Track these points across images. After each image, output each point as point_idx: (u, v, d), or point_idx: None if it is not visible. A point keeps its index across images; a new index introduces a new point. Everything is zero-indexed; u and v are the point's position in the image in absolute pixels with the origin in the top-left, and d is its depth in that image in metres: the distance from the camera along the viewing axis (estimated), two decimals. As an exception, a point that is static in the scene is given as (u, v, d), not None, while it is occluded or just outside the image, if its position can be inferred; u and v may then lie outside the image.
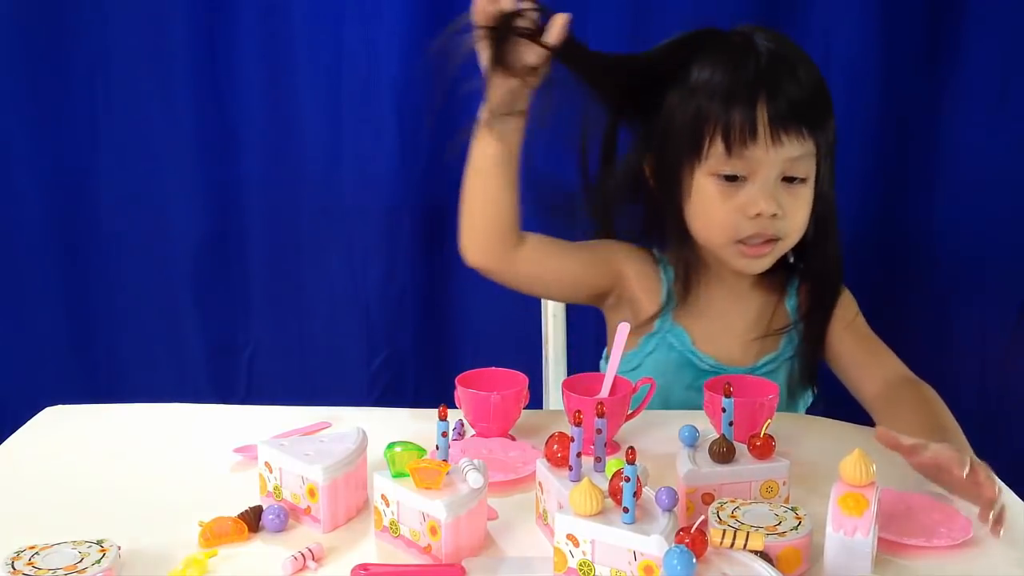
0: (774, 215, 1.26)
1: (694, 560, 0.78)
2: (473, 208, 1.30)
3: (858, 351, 1.36)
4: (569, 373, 1.51)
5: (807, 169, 1.28)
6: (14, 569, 0.83)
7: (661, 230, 1.37)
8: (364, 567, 0.88)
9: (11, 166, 1.88)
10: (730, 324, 1.38)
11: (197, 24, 1.80)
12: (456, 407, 1.14)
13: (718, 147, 1.25)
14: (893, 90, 1.71)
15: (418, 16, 1.77)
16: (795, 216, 1.29)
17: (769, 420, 1.01)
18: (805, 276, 1.40)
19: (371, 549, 0.93)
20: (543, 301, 1.52)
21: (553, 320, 1.50)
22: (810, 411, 1.43)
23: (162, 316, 1.95)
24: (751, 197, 1.26)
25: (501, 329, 1.88)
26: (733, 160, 1.25)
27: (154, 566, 0.88)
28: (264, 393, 1.95)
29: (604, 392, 1.14)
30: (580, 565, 0.84)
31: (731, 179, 1.26)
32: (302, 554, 0.89)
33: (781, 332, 1.38)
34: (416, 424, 1.17)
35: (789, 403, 1.39)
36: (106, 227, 1.91)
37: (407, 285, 1.90)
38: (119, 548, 0.87)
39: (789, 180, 1.27)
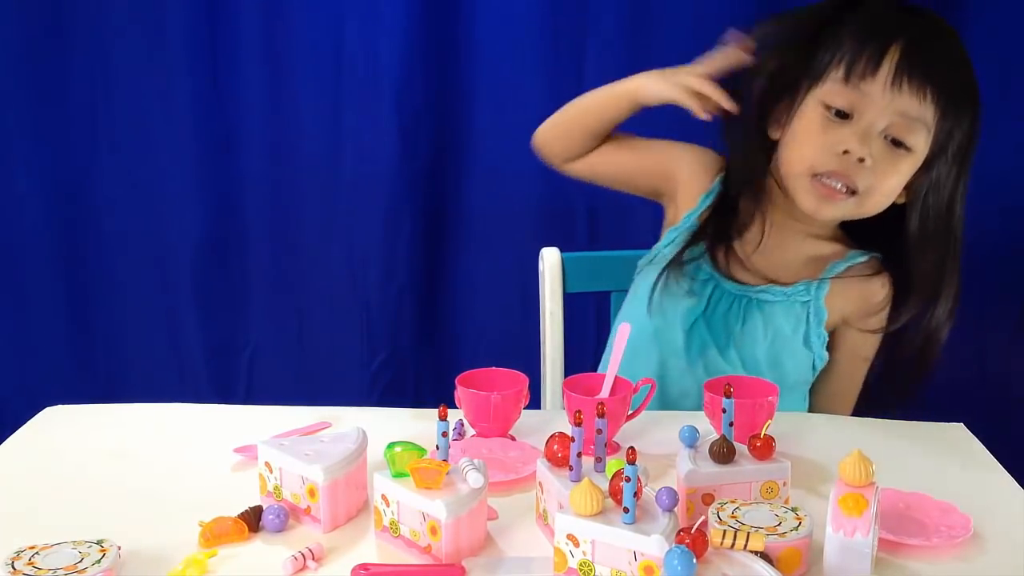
0: (861, 160, 1.22)
1: (694, 560, 0.78)
2: (574, 114, 1.38)
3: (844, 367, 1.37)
4: (568, 373, 1.51)
5: (916, 140, 1.23)
6: (14, 569, 0.83)
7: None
8: (364, 567, 0.87)
9: (11, 166, 1.89)
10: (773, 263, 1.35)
11: (197, 24, 1.80)
12: (456, 407, 1.14)
13: (838, 72, 1.23)
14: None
15: (418, 16, 1.77)
16: (884, 177, 1.25)
17: (769, 421, 1.01)
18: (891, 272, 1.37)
19: (371, 549, 0.93)
20: (541, 302, 1.52)
21: (551, 318, 1.49)
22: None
23: (162, 316, 1.96)
24: (845, 135, 1.23)
25: (501, 329, 1.88)
26: (848, 91, 1.22)
27: (154, 566, 0.88)
28: (264, 393, 1.95)
29: (604, 392, 1.13)
30: (580, 565, 0.84)
31: (839, 115, 1.23)
32: (302, 554, 0.89)
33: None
34: (416, 424, 1.17)
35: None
36: (106, 227, 1.92)
37: (407, 285, 1.90)
38: (119, 548, 0.87)
39: (895, 143, 1.23)
